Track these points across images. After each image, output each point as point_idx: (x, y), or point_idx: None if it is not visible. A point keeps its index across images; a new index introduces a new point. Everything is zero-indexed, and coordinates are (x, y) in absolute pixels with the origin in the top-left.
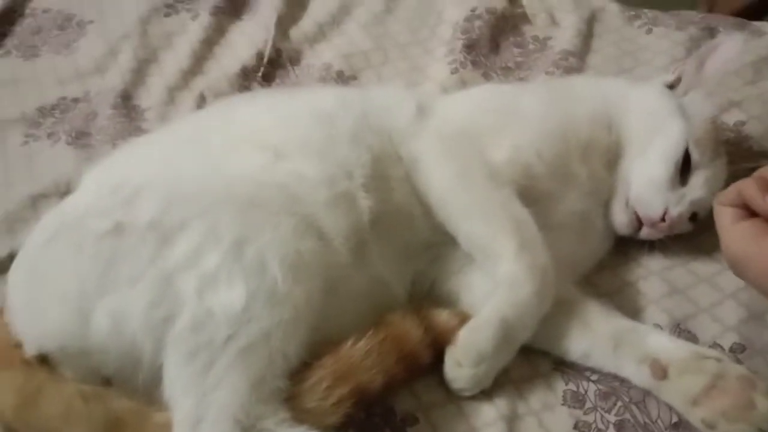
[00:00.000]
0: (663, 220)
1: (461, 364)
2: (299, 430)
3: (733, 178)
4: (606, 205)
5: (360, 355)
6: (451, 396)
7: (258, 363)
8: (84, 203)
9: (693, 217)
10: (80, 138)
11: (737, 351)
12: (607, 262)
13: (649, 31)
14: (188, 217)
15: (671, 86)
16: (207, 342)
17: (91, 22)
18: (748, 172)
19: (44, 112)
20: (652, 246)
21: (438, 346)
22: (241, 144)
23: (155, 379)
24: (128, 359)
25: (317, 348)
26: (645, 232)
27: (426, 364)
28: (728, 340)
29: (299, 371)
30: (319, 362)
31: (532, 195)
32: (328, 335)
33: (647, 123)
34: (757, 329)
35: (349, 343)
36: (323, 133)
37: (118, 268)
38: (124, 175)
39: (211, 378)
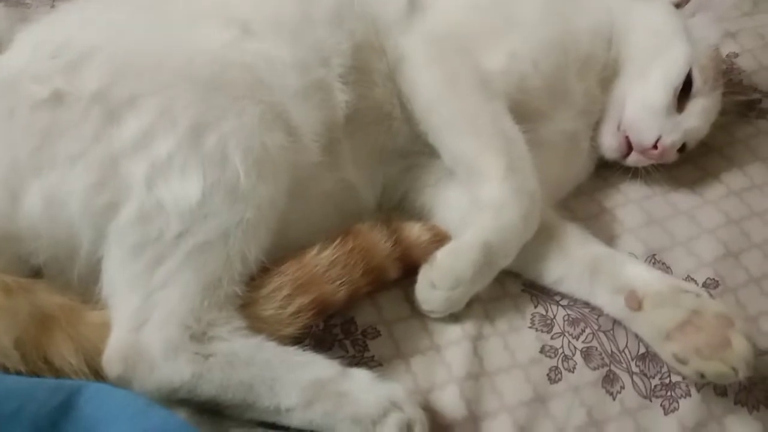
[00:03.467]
0: (655, 147)
1: (436, 286)
2: (254, 340)
3: (722, 110)
4: (594, 127)
5: (324, 265)
6: (415, 311)
7: (212, 264)
8: (19, 65)
9: (681, 147)
10: None
11: (710, 287)
12: (586, 186)
13: None
14: (141, 92)
15: (677, 5)
16: (155, 236)
17: None
18: (737, 106)
19: None
20: (633, 173)
21: (406, 260)
22: (205, 15)
23: (92, 274)
24: (62, 248)
25: (278, 253)
26: (633, 159)
27: (392, 278)
28: (702, 275)
29: (258, 277)
30: (280, 268)
31: (524, 110)
32: (290, 240)
33: (650, 42)
34: (732, 267)
35: (314, 250)
36: (299, 10)
37: (55, 142)
38: (67, 38)
39: (159, 276)
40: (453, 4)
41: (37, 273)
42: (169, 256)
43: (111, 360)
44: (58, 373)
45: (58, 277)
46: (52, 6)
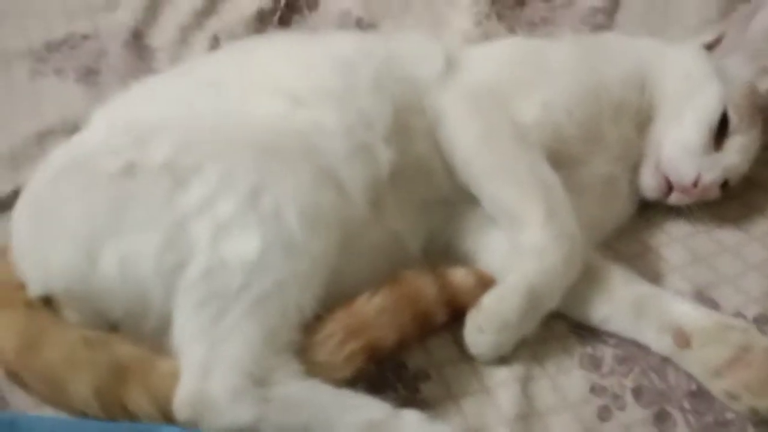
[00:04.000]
0: (695, 185)
1: (483, 330)
2: (310, 383)
3: (765, 146)
4: (633, 169)
5: (374, 311)
6: (464, 354)
7: (271, 314)
8: (95, 141)
9: (723, 184)
10: (89, 75)
11: (761, 322)
12: (629, 226)
13: None
14: (204, 160)
15: (709, 47)
16: (219, 291)
17: None
18: None
19: (51, 47)
20: (675, 212)
21: (453, 304)
22: (258, 89)
23: (164, 327)
24: (136, 304)
25: (331, 302)
26: (674, 198)
27: (440, 322)
28: (752, 311)
29: (312, 324)
30: (333, 316)
31: (560, 157)
32: (342, 290)
33: (683, 85)
34: None
35: (364, 298)
36: (343, 81)
37: (129, 209)
38: (137, 115)
39: (223, 328)
40: (487, 62)
41: (114, 327)
42: (231, 309)
43: (180, 406)
44: (133, 419)
45: (133, 330)
46: (123, 85)
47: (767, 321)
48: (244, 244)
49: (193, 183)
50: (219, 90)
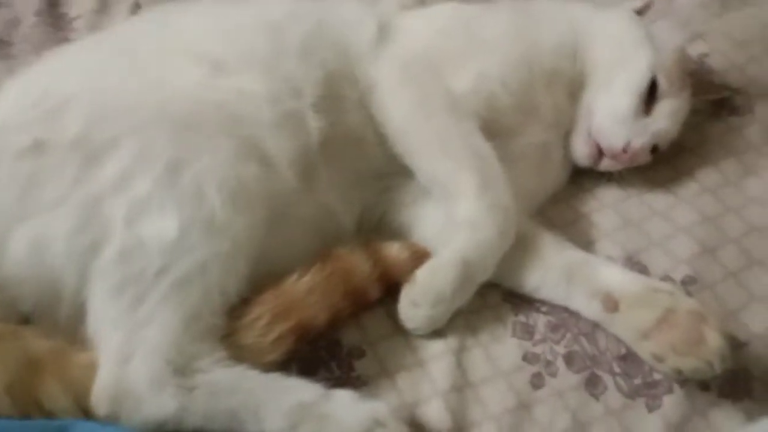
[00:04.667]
0: (625, 151)
1: (418, 305)
2: (237, 369)
3: (693, 110)
4: (566, 136)
5: (303, 290)
6: (399, 328)
7: (192, 298)
8: (1, 116)
9: (653, 148)
10: (1, 47)
11: (688, 284)
12: (561, 194)
13: None
14: (117, 135)
15: (639, 12)
16: (137, 274)
17: None
18: (709, 105)
19: None
20: (607, 178)
21: (387, 279)
22: (177, 55)
23: (78, 316)
24: (48, 292)
25: (261, 281)
26: (605, 164)
27: (374, 298)
28: (680, 273)
29: (238, 307)
30: (260, 298)
31: (494, 127)
32: (270, 268)
33: (613, 51)
34: (709, 263)
35: (293, 277)
36: (269, 45)
37: (38, 189)
38: (47, 88)
39: (141, 313)
40: (420, 31)
41: (25, 319)
42: (150, 293)
43: (98, 398)
44: (49, 415)
45: (46, 321)
46: (37, 56)
47: (695, 282)
48: (162, 224)
49: (106, 159)
50: (136, 58)
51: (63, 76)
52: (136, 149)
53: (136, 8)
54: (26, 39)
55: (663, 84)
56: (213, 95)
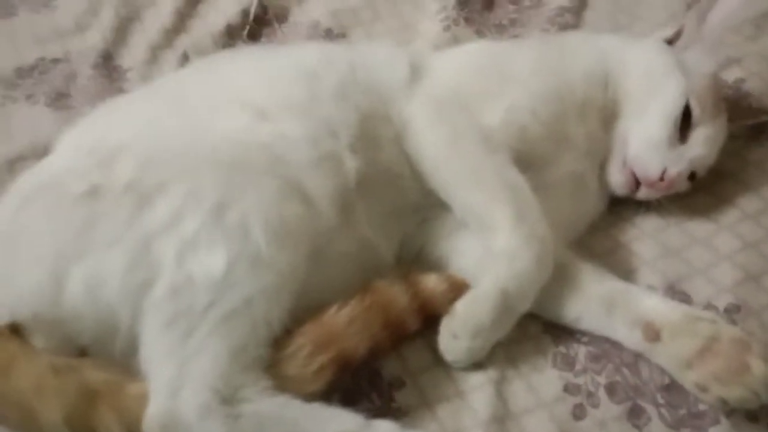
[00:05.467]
0: (661, 179)
1: (457, 336)
2: (279, 399)
3: (731, 136)
4: (602, 166)
5: (343, 322)
6: (439, 359)
7: (239, 331)
8: (61, 164)
9: (691, 176)
10: (60, 99)
11: (732, 312)
12: (600, 223)
13: None
14: (167, 178)
15: (670, 42)
16: (186, 309)
17: None
18: (748, 130)
19: (22, 73)
20: (646, 206)
21: (426, 311)
22: (222, 103)
23: (133, 348)
24: (104, 327)
25: (302, 314)
26: (642, 192)
27: (413, 329)
28: (723, 301)
29: (282, 338)
30: (302, 329)
31: (528, 158)
32: (313, 301)
33: (645, 80)
34: (753, 290)
35: (333, 309)
36: (306, 91)
37: (94, 230)
38: (102, 136)
39: (190, 346)
40: (451, 69)
41: (83, 352)
42: (199, 327)
43: (150, 427)
44: None
45: (102, 353)
46: (94, 107)
47: (738, 310)
48: (210, 261)
49: (157, 202)
50: (183, 107)
51: (116, 125)
52: (185, 191)
53: (184, 59)
54: (83, 91)
55: (697, 111)
56: (256, 139)
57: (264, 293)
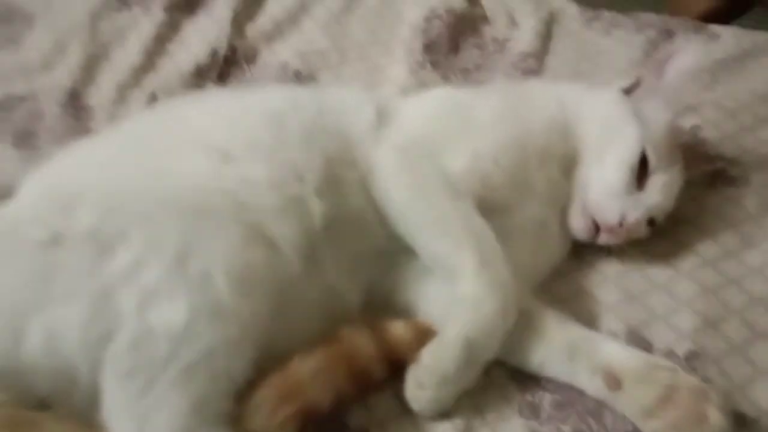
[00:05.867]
0: (620, 225)
1: (423, 386)
2: None
3: (689, 182)
4: (563, 211)
5: (308, 373)
6: (405, 408)
7: (200, 383)
8: (20, 211)
9: (650, 222)
10: (25, 139)
11: (692, 359)
12: (563, 268)
13: (608, 33)
14: (128, 226)
15: (628, 91)
16: (146, 361)
17: (37, 15)
18: (705, 177)
19: None
20: (608, 251)
21: (392, 359)
22: (186, 146)
23: (93, 401)
24: (64, 379)
25: (266, 363)
26: (603, 238)
27: (380, 378)
28: (683, 347)
29: (245, 390)
30: (266, 381)
31: (490, 204)
32: (277, 349)
33: (603, 129)
34: (712, 337)
35: (297, 359)
36: (272, 134)
37: (54, 280)
38: (64, 181)
39: (151, 399)
40: (417, 115)
41: (42, 404)
42: (159, 380)
43: None
44: None
45: (63, 405)
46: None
47: (698, 356)
48: (171, 312)
49: (118, 250)
50: (147, 150)
51: (78, 170)
52: (145, 239)
53: (153, 99)
54: (50, 130)
55: (653, 158)
56: (219, 183)
57: (226, 345)
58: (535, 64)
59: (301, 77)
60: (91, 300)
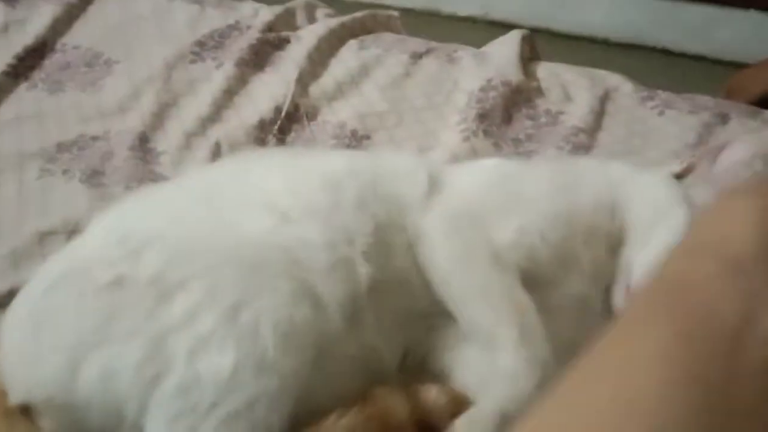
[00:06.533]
0: None
1: None
2: None
3: None
4: (606, 290)
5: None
6: None
7: None
8: (90, 251)
9: None
10: (94, 177)
11: None
12: None
13: (662, 113)
14: (190, 275)
15: (679, 176)
16: (191, 407)
17: (119, 62)
18: None
19: (62, 147)
20: None
21: (424, 424)
22: (250, 203)
23: None
24: (111, 417)
25: (303, 417)
26: None
27: None
28: None
29: None
30: None
31: (534, 278)
32: (313, 405)
33: (652, 210)
34: None
35: (332, 417)
36: (330, 199)
37: (114, 321)
38: (133, 225)
39: None
40: (467, 185)
41: None
42: (201, 426)
43: None
44: None
45: None
46: (126, 186)
47: None
48: (219, 361)
49: (177, 298)
50: (213, 203)
51: (147, 217)
52: (205, 289)
53: (216, 148)
54: (117, 171)
55: None
56: (277, 240)
57: (266, 396)
58: (586, 139)
59: (357, 136)
60: (147, 342)
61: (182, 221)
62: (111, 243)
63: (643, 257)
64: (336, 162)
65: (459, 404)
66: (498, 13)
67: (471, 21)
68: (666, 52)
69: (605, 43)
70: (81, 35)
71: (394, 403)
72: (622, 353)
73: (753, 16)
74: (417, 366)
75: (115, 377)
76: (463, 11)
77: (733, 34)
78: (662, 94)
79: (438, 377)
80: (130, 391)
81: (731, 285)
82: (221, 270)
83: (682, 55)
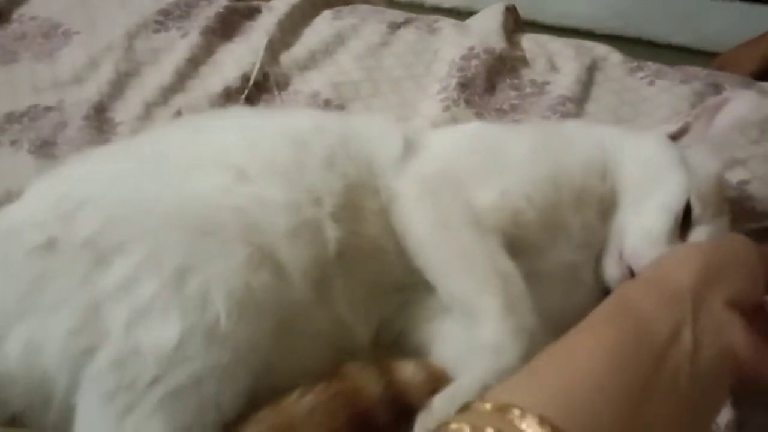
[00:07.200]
0: None
1: None
2: None
3: None
4: (597, 258)
5: (304, 411)
6: None
7: (185, 411)
8: (22, 213)
9: None
10: (44, 147)
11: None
12: None
13: (651, 83)
14: (129, 238)
15: (674, 136)
16: (129, 383)
17: (78, 33)
18: (750, 233)
19: (12, 118)
20: None
21: (400, 402)
22: (202, 162)
23: (67, 420)
24: (38, 395)
25: (261, 396)
26: None
27: (383, 423)
28: (723, 417)
29: (234, 423)
30: (257, 415)
31: (519, 245)
32: (275, 382)
33: (645, 173)
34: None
35: (295, 394)
36: (293, 156)
37: (43, 288)
38: (69, 189)
39: (129, 425)
40: (445, 146)
41: (13, 420)
42: (140, 404)
43: None
44: None
45: (35, 423)
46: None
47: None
48: (161, 332)
49: (114, 262)
50: (160, 163)
51: (86, 179)
52: (146, 252)
53: (178, 116)
54: (70, 141)
55: (698, 209)
56: (232, 201)
57: (216, 371)
58: (574, 108)
59: (330, 106)
60: (79, 311)
61: (125, 182)
62: (44, 206)
63: (636, 222)
64: (302, 120)
65: (437, 380)
66: (483, 4)
67: (456, 12)
68: (651, 44)
69: (590, 35)
70: (39, 6)
71: (365, 380)
72: (576, 341)
73: (739, 6)
74: (392, 340)
75: (41, 350)
76: (447, 2)
77: (719, 25)
78: (652, 65)
79: (415, 352)
80: (59, 366)
81: (667, 311)
82: (165, 232)
83: (668, 46)
